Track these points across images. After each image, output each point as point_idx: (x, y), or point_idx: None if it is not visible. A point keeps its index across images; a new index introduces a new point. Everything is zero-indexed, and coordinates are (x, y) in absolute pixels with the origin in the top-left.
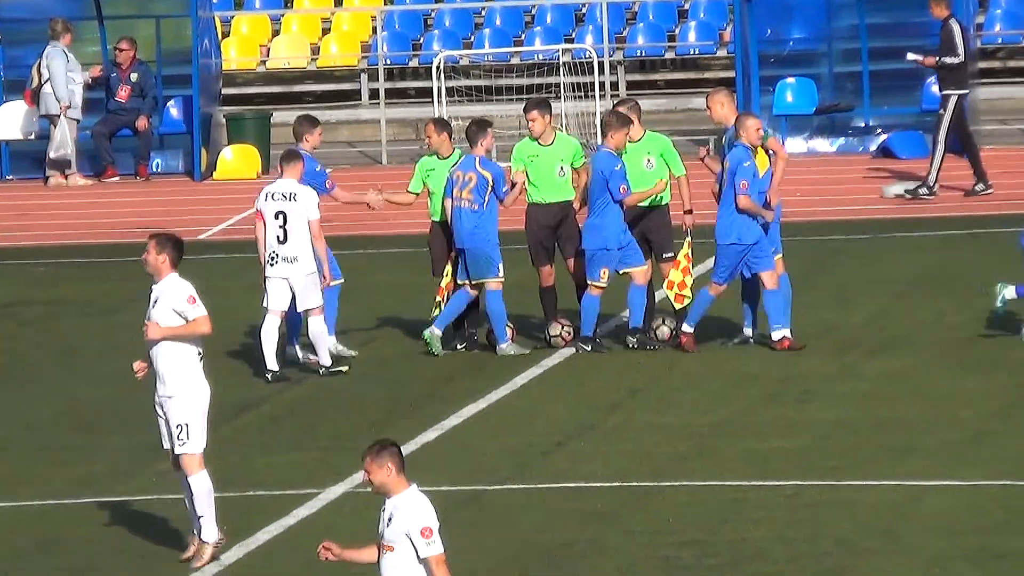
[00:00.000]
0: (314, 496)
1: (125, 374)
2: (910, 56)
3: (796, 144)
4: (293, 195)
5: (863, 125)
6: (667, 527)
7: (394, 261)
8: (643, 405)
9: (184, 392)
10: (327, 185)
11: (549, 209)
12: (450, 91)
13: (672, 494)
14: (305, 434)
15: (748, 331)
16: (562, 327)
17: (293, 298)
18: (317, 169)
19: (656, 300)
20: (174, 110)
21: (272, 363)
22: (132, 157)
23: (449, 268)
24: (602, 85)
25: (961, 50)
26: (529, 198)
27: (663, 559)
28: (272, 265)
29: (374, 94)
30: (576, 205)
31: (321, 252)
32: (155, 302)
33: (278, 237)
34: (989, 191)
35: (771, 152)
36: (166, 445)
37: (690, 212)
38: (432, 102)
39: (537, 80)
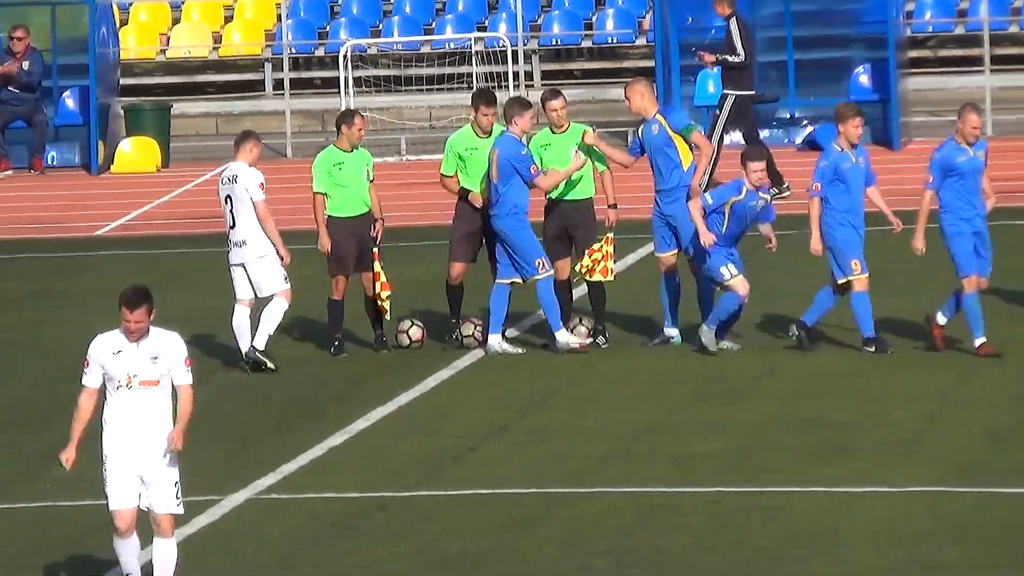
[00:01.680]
0: (215, 503)
1: (18, 372)
2: (697, 53)
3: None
4: (235, 177)
5: (788, 116)
6: (584, 535)
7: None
8: (560, 407)
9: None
10: (531, 171)
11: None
12: (358, 81)
13: (590, 500)
14: (205, 437)
15: (671, 331)
16: (475, 327)
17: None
18: (523, 153)
19: (574, 297)
20: (70, 101)
21: (246, 345)
22: (27, 150)
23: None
24: (516, 75)
25: (742, 49)
26: (462, 193)
27: (580, 568)
28: (229, 251)
29: (278, 84)
30: (478, 203)
31: (271, 233)
32: (155, 359)
33: (228, 222)
34: (788, 192)
35: (694, 146)
36: (133, 504)
37: (614, 207)
38: (339, 92)
39: (448, 70)
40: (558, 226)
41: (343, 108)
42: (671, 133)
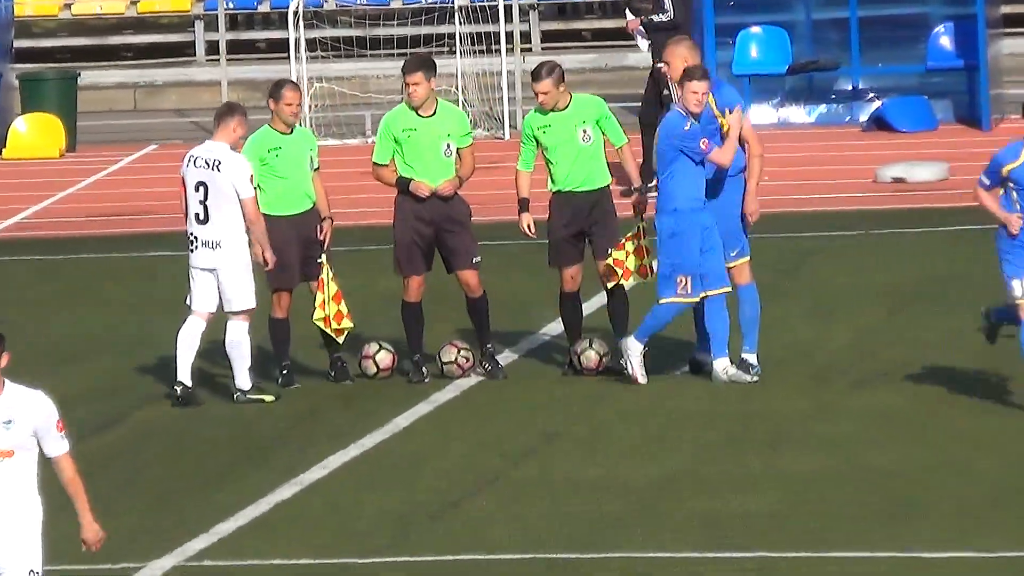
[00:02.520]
0: (132, 573)
1: None
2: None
3: (763, 113)
4: (217, 163)
5: (851, 88)
6: None
7: None
8: (563, 453)
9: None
10: (701, 147)
11: (436, 199)
12: (311, 44)
13: (600, 568)
14: (121, 492)
15: (703, 357)
16: (458, 351)
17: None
18: (685, 129)
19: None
20: None
21: (185, 374)
22: None
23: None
24: (509, 36)
25: (671, 4)
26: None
27: None
28: (192, 251)
29: (212, 48)
30: (448, 190)
31: (260, 235)
32: (8, 423)
33: (198, 215)
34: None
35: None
36: None
37: (639, 191)
38: (288, 58)
39: (424, 30)
40: (569, 224)
41: (292, 78)
42: (716, 113)
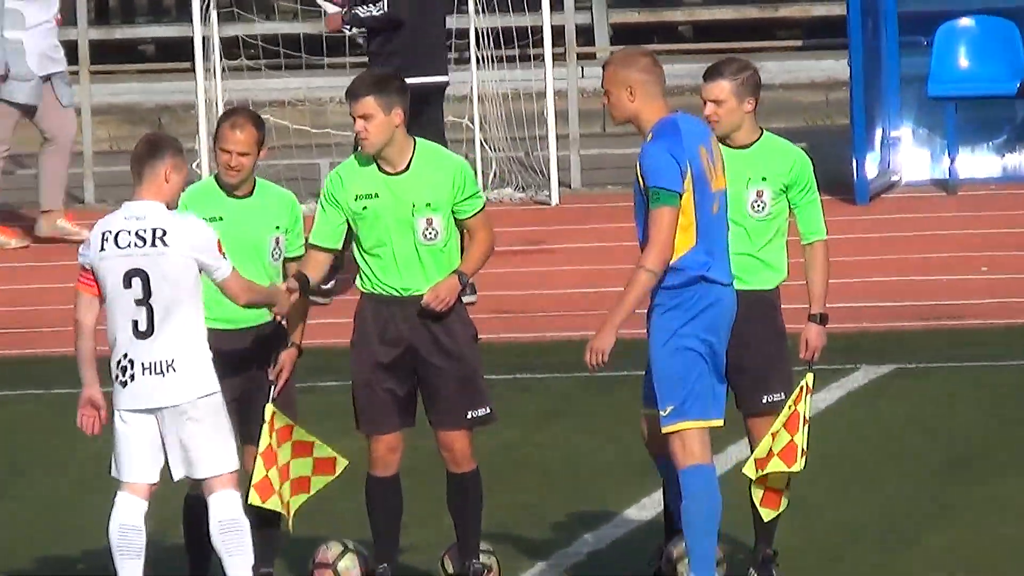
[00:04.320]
0: None
1: None
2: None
3: (978, 162)
4: (160, 235)
5: None
6: None
7: None
8: None
9: None
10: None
11: (403, 305)
12: (230, 47)
13: None
14: None
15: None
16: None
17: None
18: None
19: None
20: None
21: None
22: None
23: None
24: (557, 35)
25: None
26: (361, 284)
27: None
28: (124, 384)
29: (70, 54)
30: (442, 301)
31: (265, 298)
32: None
33: (135, 325)
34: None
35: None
36: None
37: (819, 320)
38: (191, 70)
39: None
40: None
41: (199, 101)
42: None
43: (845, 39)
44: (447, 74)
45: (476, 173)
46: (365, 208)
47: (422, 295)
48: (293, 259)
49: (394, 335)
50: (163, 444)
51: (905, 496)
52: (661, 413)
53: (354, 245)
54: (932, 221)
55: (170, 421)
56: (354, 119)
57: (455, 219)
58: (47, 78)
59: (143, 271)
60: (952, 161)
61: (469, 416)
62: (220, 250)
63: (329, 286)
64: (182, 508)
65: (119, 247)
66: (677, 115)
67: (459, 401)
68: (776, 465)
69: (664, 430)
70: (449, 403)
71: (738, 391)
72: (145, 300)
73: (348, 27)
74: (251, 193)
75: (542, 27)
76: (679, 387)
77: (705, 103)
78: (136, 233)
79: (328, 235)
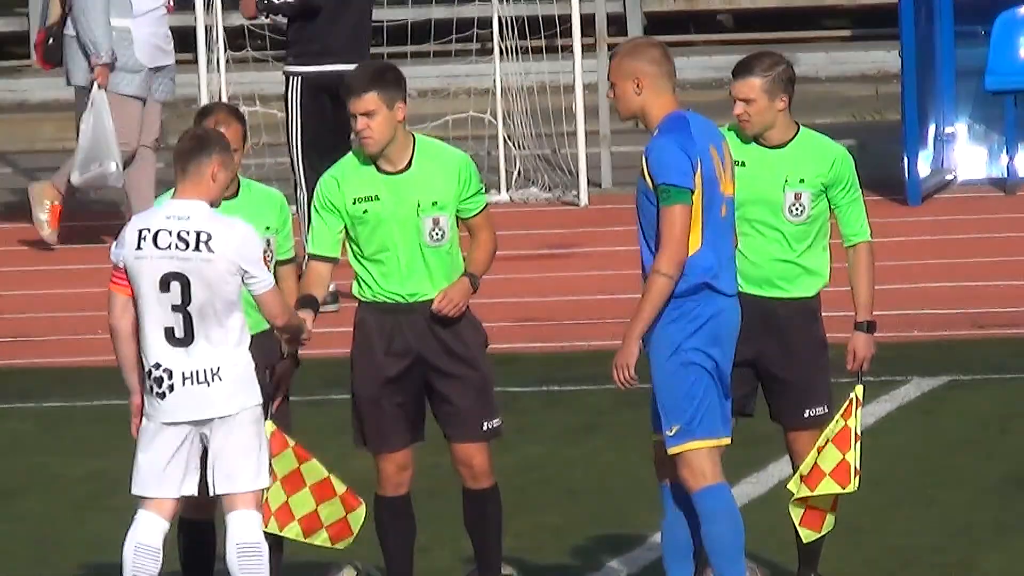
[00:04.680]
0: None
1: None
2: None
3: None
4: (205, 238)
5: None
6: None
7: None
8: None
9: None
10: None
11: (408, 312)
12: (235, 38)
13: None
14: None
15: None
16: None
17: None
18: None
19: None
20: None
21: None
22: None
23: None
24: (587, 24)
25: None
26: (360, 292)
27: None
28: (162, 396)
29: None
30: (453, 307)
31: (298, 332)
32: None
33: (170, 332)
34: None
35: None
36: None
37: (866, 328)
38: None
39: (436, 12)
40: (741, 362)
41: (202, 95)
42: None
43: (896, 29)
44: (350, 59)
45: (500, 171)
46: (366, 212)
47: (429, 301)
48: (284, 262)
49: (401, 345)
50: (201, 458)
51: (960, 516)
52: (667, 433)
53: (350, 251)
54: (989, 223)
55: (215, 433)
56: (354, 117)
57: (457, 218)
58: (157, 70)
59: (183, 276)
60: (1011, 159)
61: (485, 428)
62: (265, 261)
63: (332, 289)
64: (177, 533)
65: (158, 247)
66: (687, 111)
67: (475, 412)
68: (828, 486)
69: (670, 451)
70: (465, 414)
71: (778, 404)
72: (183, 306)
73: (263, 14)
74: (236, 194)
75: (570, 16)
76: (685, 405)
77: (735, 102)
78: (178, 235)
79: (329, 243)
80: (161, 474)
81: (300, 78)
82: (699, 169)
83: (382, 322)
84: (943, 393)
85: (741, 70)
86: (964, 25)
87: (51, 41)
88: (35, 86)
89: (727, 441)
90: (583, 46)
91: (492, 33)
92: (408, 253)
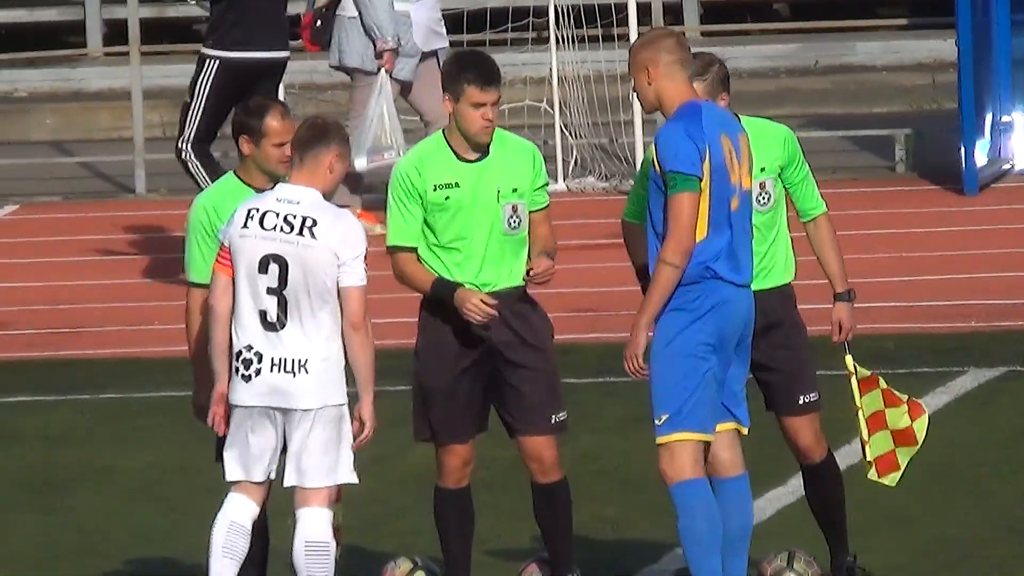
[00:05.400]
0: None
1: None
2: None
3: None
4: (311, 225)
5: None
6: None
7: None
8: None
9: None
10: None
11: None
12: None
13: None
14: None
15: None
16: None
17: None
18: None
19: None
20: None
21: None
22: None
23: None
24: (644, 11)
25: None
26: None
27: None
28: (247, 379)
29: (118, 33)
30: (544, 272)
31: (364, 357)
32: None
33: (264, 315)
34: None
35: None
36: None
37: (847, 297)
38: None
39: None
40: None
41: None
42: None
43: (952, 17)
44: (287, 50)
45: (556, 160)
46: (447, 198)
47: (501, 290)
48: None
49: (474, 335)
50: (281, 447)
51: (1016, 509)
52: (656, 422)
53: (422, 245)
54: None
55: (295, 425)
56: (478, 106)
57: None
58: (431, 53)
59: (283, 258)
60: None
61: (553, 420)
62: (365, 259)
63: None
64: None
65: (263, 228)
66: (703, 101)
67: (545, 404)
68: (904, 454)
69: (657, 440)
70: (535, 406)
71: (770, 394)
72: (279, 290)
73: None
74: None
75: (626, 4)
76: (676, 394)
77: None
78: (285, 217)
79: (413, 232)
80: (249, 458)
81: (217, 62)
82: (707, 158)
83: (454, 312)
84: (1000, 384)
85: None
86: (1020, 14)
87: (319, 23)
88: (92, 75)
89: (711, 438)
90: (639, 34)
91: (548, 21)
92: (485, 241)
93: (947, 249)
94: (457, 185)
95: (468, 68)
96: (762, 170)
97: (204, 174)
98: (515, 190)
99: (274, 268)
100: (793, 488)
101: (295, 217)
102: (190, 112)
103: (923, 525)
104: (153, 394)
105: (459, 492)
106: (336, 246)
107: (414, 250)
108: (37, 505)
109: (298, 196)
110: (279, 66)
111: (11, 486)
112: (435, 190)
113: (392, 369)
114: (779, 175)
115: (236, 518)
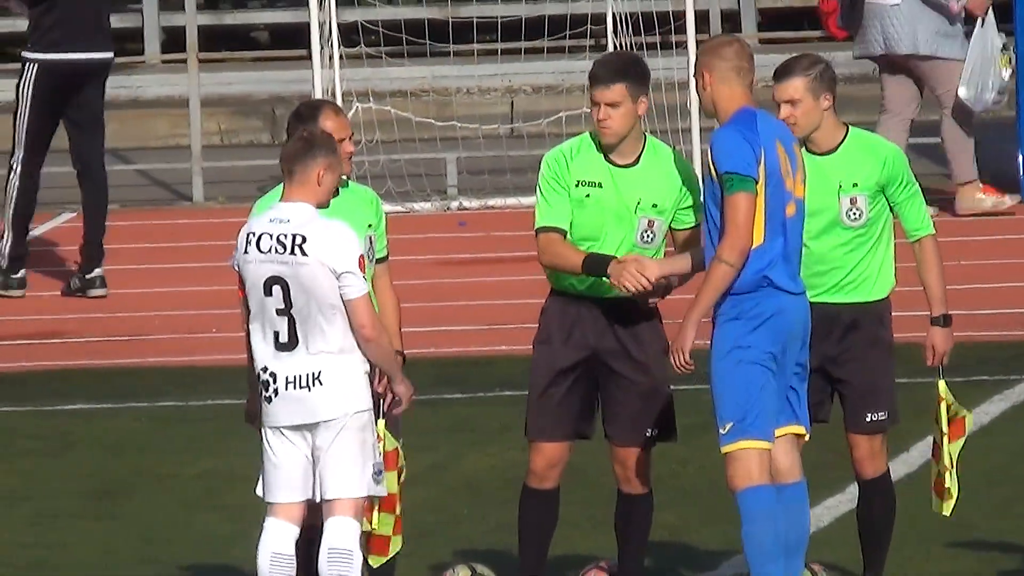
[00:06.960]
0: None
1: None
2: None
3: None
4: (299, 242)
5: None
6: None
7: None
8: None
9: None
10: None
11: (593, 306)
12: (349, 34)
13: None
14: None
15: None
16: None
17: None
18: None
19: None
20: None
21: None
22: None
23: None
24: (701, 21)
25: None
26: (556, 281)
27: None
28: (268, 400)
29: (175, 40)
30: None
31: (383, 358)
32: None
33: (276, 336)
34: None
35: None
36: None
37: (942, 322)
38: (308, 57)
39: (549, 8)
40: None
41: (318, 92)
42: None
43: (1010, 25)
44: (110, 52)
45: None
46: (588, 196)
47: (614, 298)
48: (380, 260)
49: (579, 338)
50: (315, 462)
51: None
52: (720, 431)
53: (575, 233)
54: None
55: (320, 438)
56: (596, 105)
57: (670, 228)
58: None
59: (282, 279)
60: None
61: (648, 433)
62: (361, 266)
63: (100, 272)
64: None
65: (260, 251)
66: (758, 109)
67: (639, 418)
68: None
69: (722, 449)
70: (630, 419)
71: (842, 403)
72: (286, 310)
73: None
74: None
75: (684, 12)
76: (740, 402)
77: (779, 106)
78: (277, 238)
79: (563, 215)
80: (284, 479)
81: (36, 65)
82: (762, 160)
83: (565, 312)
84: None
85: (782, 73)
86: None
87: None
88: (149, 82)
89: (770, 446)
90: (697, 42)
91: (606, 29)
92: (615, 248)
93: (1004, 257)
94: (600, 185)
95: (593, 66)
96: (854, 185)
97: (14, 193)
98: (655, 205)
99: (277, 290)
100: (852, 497)
101: (286, 236)
102: (16, 119)
103: (984, 532)
104: (210, 402)
105: (541, 493)
106: (328, 259)
107: (563, 232)
108: (96, 513)
109: (288, 214)
110: (102, 67)
111: (70, 494)
112: (578, 186)
113: (448, 378)
114: (881, 193)
115: (277, 548)
